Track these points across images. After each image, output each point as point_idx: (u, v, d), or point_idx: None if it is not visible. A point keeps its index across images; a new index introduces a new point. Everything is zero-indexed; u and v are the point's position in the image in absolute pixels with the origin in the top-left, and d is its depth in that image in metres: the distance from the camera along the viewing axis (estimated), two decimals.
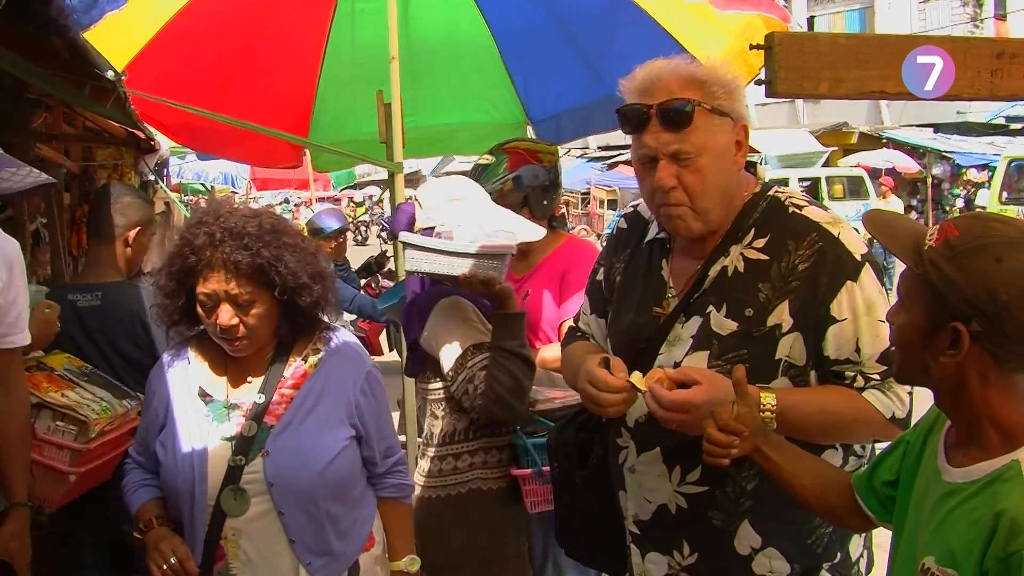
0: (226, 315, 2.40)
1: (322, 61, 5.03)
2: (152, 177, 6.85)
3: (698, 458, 2.09)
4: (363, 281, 8.92)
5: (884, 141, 26.66)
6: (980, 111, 26.62)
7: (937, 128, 27.08)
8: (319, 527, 2.48)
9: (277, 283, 2.43)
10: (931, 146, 25.97)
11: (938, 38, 1.46)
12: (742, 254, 2.19)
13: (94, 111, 4.27)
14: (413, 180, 35.00)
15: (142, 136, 5.75)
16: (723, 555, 2.24)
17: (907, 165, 25.39)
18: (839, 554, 2.27)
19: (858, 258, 2.12)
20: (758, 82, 2.52)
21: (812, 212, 2.19)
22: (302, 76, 5.07)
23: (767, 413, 2.03)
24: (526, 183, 3.48)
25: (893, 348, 1.93)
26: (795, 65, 1.47)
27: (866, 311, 2.10)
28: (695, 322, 2.21)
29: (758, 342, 2.13)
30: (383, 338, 9.05)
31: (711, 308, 2.19)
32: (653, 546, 2.34)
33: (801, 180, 24.79)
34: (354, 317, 7.21)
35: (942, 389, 1.70)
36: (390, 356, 9.16)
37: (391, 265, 8.35)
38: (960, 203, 24.99)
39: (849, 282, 2.10)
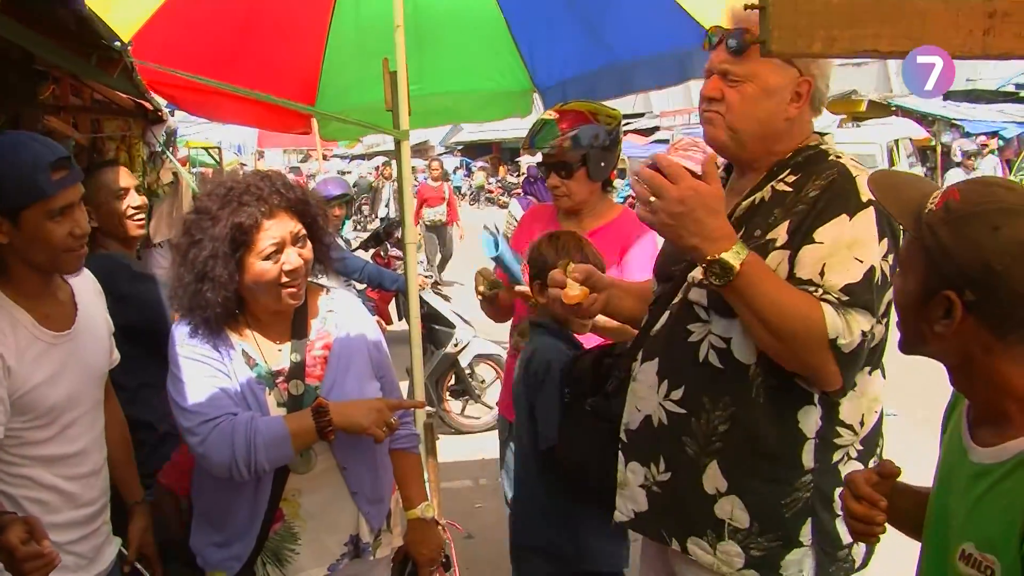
0: (294, 255, 2.43)
1: (328, 30, 5.02)
2: (160, 148, 6.87)
3: (682, 378, 2.23)
4: (371, 251, 8.94)
5: (893, 109, 26.47)
6: (990, 79, 26.37)
7: (946, 96, 26.85)
8: (376, 477, 2.62)
9: (317, 212, 2.52)
10: (940, 114, 25.76)
11: None
12: (772, 186, 2.27)
13: (101, 81, 4.28)
14: (421, 150, 34.95)
15: (150, 107, 5.77)
16: (690, 485, 2.28)
17: (916, 133, 25.25)
18: (809, 522, 2.22)
19: (863, 199, 2.11)
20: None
21: (847, 160, 2.25)
22: (308, 45, 5.06)
23: (732, 258, 2.03)
24: (584, 143, 3.50)
25: (860, 285, 2.01)
26: (789, 24, 1.48)
27: (847, 245, 2.08)
28: None
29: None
30: (392, 307, 9.10)
31: None
32: (636, 456, 2.42)
33: None
34: (363, 287, 7.24)
35: (949, 364, 1.64)
36: (399, 325, 9.22)
37: (399, 234, 8.35)
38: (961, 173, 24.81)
39: (844, 215, 2.10)
